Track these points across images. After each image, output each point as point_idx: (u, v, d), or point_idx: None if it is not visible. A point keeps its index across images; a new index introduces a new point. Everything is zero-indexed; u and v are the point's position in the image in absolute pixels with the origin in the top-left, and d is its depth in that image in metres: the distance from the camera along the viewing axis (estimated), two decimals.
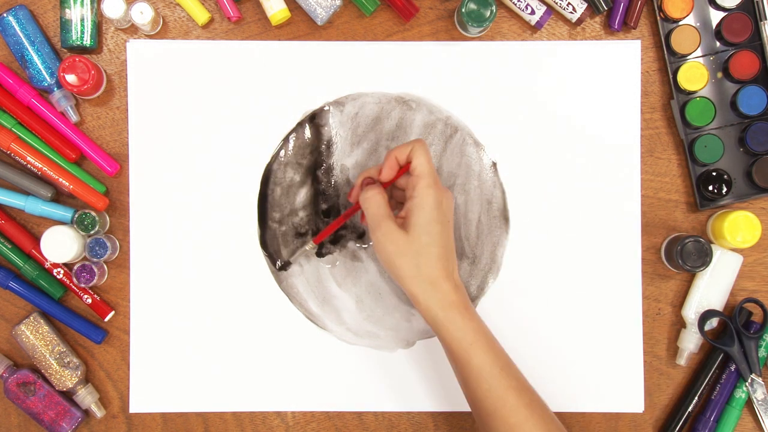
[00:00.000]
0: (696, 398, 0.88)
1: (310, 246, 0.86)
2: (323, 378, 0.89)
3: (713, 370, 0.88)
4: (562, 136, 0.89)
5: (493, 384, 0.75)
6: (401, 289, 0.76)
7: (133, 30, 0.89)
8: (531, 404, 0.76)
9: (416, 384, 0.89)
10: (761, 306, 0.88)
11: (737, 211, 0.86)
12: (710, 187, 0.88)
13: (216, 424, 0.89)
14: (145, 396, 0.89)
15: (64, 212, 0.87)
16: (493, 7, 0.84)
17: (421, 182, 0.76)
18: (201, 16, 0.88)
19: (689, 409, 0.88)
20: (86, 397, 0.88)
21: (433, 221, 0.75)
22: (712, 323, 0.88)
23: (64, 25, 0.86)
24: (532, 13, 0.87)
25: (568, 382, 0.89)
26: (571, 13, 0.88)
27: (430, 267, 0.74)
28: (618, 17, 0.88)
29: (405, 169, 0.79)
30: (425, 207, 0.75)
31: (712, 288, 0.88)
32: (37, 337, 0.87)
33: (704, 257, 0.85)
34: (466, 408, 0.89)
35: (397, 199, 0.83)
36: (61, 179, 0.86)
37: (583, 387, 0.89)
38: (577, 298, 0.89)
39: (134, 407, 0.89)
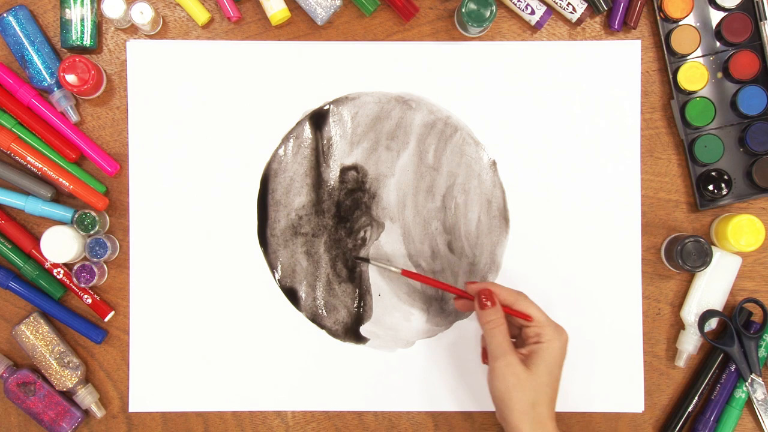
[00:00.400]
0: (696, 398, 0.88)
1: (395, 270, 0.86)
2: (323, 378, 0.89)
3: (713, 370, 0.88)
4: (562, 135, 0.89)
5: None
6: (503, 422, 0.78)
7: (133, 30, 0.89)
8: None
9: (416, 384, 0.89)
10: (761, 306, 0.88)
11: (741, 214, 0.86)
12: (710, 187, 0.88)
13: (216, 424, 0.89)
14: (145, 395, 0.89)
15: (64, 212, 0.87)
16: (493, 7, 0.84)
17: (547, 329, 0.79)
18: (201, 16, 0.88)
19: (689, 409, 0.88)
20: (86, 397, 0.88)
21: (556, 366, 0.78)
22: (712, 323, 0.88)
23: (64, 25, 0.86)
24: (532, 13, 0.87)
25: (569, 382, 0.89)
26: (571, 13, 0.88)
27: (544, 407, 0.77)
28: (618, 17, 0.88)
29: (524, 317, 0.80)
30: (554, 350, 0.78)
31: (711, 288, 0.88)
32: (37, 337, 0.87)
33: (704, 257, 0.85)
34: (466, 408, 0.89)
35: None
36: (61, 179, 0.86)
37: (584, 387, 0.89)
38: (577, 297, 0.89)
39: (134, 406, 0.89)
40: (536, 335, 0.79)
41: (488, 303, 0.80)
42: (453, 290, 0.83)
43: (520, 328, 0.81)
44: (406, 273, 0.85)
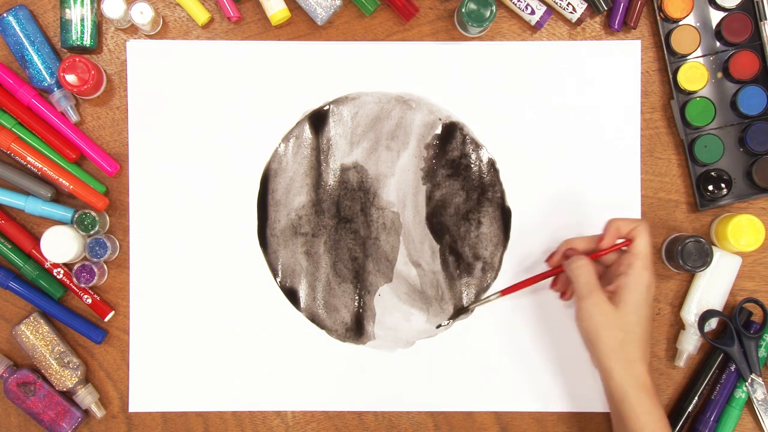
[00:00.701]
0: (696, 398, 0.88)
1: (495, 296, 0.86)
2: (323, 378, 0.89)
3: (713, 370, 0.88)
4: (562, 135, 0.89)
5: None
6: (594, 361, 0.78)
7: (133, 30, 0.89)
8: None
9: (416, 384, 0.89)
10: (761, 306, 0.88)
11: (741, 214, 0.86)
12: (710, 187, 0.88)
13: (216, 424, 0.89)
14: (145, 395, 0.89)
15: (64, 212, 0.87)
16: (493, 7, 0.84)
17: (639, 262, 0.77)
18: (201, 16, 0.88)
19: (689, 409, 0.88)
20: (86, 397, 0.88)
21: (643, 303, 0.77)
22: (712, 323, 0.88)
23: (64, 25, 0.86)
24: (532, 13, 0.87)
25: (569, 382, 0.89)
26: (571, 13, 0.88)
27: (633, 346, 0.76)
28: (618, 17, 0.88)
29: (623, 244, 0.80)
30: (639, 287, 0.77)
31: (711, 288, 0.88)
32: (37, 337, 0.87)
33: (705, 257, 0.85)
34: (466, 408, 0.89)
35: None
36: (61, 179, 0.86)
37: (584, 387, 0.89)
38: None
39: (134, 406, 0.89)
40: (626, 266, 0.78)
41: (577, 256, 0.80)
42: (548, 274, 0.84)
43: (607, 267, 0.81)
44: (506, 291, 0.86)
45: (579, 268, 0.79)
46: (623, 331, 0.76)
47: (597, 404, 0.89)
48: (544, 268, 0.88)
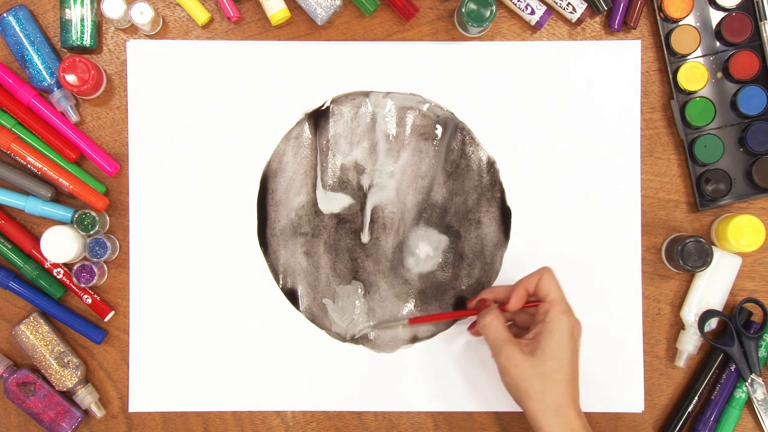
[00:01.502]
0: (696, 398, 0.88)
1: (403, 324, 0.87)
2: (323, 378, 0.89)
3: (713, 370, 0.88)
4: (562, 135, 0.89)
5: None
6: (525, 412, 0.77)
7: (133, 30, 0.89)
8: None
9: (416, 384, 0.89)
10: (761, 306, 0.88)
11: (741, 215, 0.86)
12: (710, 187, 0.88)
13: (216, 424, 0.89)
14: (145, 395, 0.89)
15: (64, 212, 0.87)
16: (493, 7, 0.84)
17: (555, 308, 0.77)
18: (201, 16, 0.88)
19: (689, 409, 0.88)
20: (86, 397, 0.88)
21: (563, 348, 0.75)
22: (712, 323, 0.88)
23: (64, 25, 0.86)
24: (532, 13, 0.87)
25: None
26: (571, 13, 0.88)
27: (556, 393, 0.75)
28: (618, 17, 0.88)
29: (532, 304, 0.81)
30: (557, 333, 0.76)
31: (711, 288, 0.88)
32: (37, 337, 0.87)
33: (705, 257, 0.85)
34: (466, 408, 0.89)
35: (517, 323, 0.84)
36: (61, 179, 0.86)
37: (584, 386, 0.89)
38: (577, 298, 0.88)
39: (133, 406, 0.89)
40: (543, 313, 0.77)
41: (486, 303, 0.81)
42: (459, 314, 0.85)
43: (532, 315, 0.81)
44: (414, 321, 0.86)
45: (488, 324, 0.78)
46: (542, 380, 0.74)
47: (597, 404, 0.89)
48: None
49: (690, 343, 0.88)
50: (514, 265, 0.89)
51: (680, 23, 0.88)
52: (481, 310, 0.81)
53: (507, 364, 0.76)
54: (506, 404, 0.89)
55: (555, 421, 0.74)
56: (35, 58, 0.86)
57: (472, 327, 0.86)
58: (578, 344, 0.78)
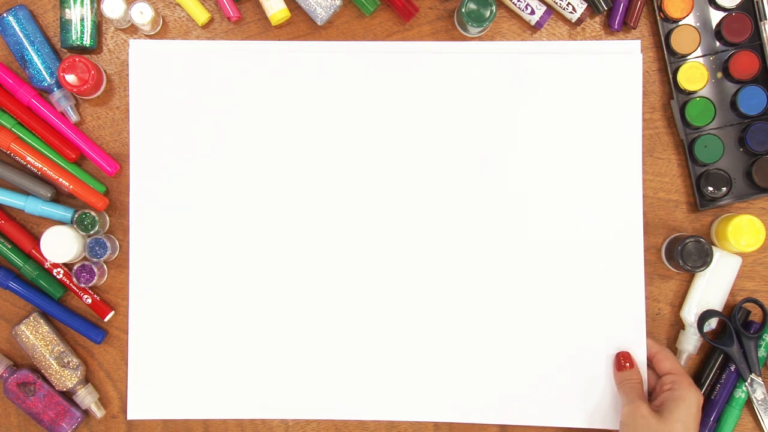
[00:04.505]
0: None
1: None
2: (324, 384, 0.89)
3: (713, 370, 0.88)
4: (562, 136, 0.89)
5: None
6: None
7: (133, 30, 0.89)
8: None
9: (417, 385, 0.89)
10: (761, 306, 0.88)
11: (741, 215, 0.86)
12: (710, 187, 0.88)
13: (216, 424, 0.89)
14: (143, 402, 0.88)
15: (64, 212, 0.87)
16: (493, 7, 0.84)
17: (684, 380, 0.82)
18: (201, 16, 0.88)
19: None
20: (86, 397, 0.88)
21: (690, 416, 0.79)
22: (712, 323, 0.88)
23: (64, 25, 0.86)
24: (532, 13, 0.87)
25: (569, 382, 0.89)
26: (571, 13, 0.88)
27: None
28: (618, 17, 0.88)
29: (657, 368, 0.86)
30: (686, 401, 0.80)
31: (711, 288, 0.88)
32: (37, 337, 0.87)
33: (705, 257, 0.85)
34: (471, 420, 0.89)
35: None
36: (61, 179, 0.86)
37: (594, 402, 0.88)
38: (578, 298, 0.89)
39: (132, 414, 0.88)
40: (671, 383, 0.82)
41: (627, 364, 0.85)
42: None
43: (657, 379, 0.85)
44: None
45: (628, 384, 0.84)
46: None
47: (607, 421, 0.88)
48: (547, 267, 0.88)
49: (690, 343, 0.88)
50: (516, 266, 0.89)
51: (680, 23, 0.88)
52: (620, 361, 0.86)
53: (635, 414, 0.81)
54: (510, 417, 0.88)
55: None
56: (35, 58, 0.86)
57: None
58: (699, 420, 0.81)
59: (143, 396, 0.89)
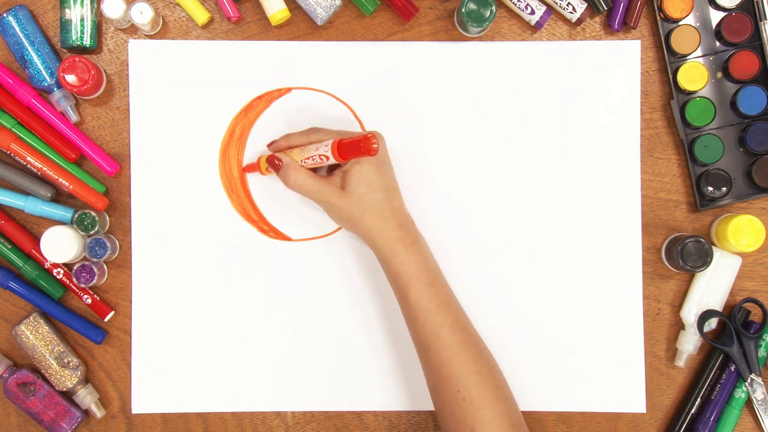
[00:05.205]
0: (696, 398, 0.88)
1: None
2: (323, 378, 0.89)
3: (713, 370, 0.88)
4: (562, 136, 0.89)
5: (428, 318, 0.79)
6: (361, 239, 0.82)
7: (133, 30, 0.89)
8: (465, 343, 0.78)
9: (417, 384, 0.89)
10: (761, 306, 0.88)
11: (741, 215, 0.86)
12: (710, 187, 0.88)
13: (216, 424, 0.89)
14: (147, 397, 0.89)
15: (64, 212, 0.87)
16: (493, 7, 0.84)
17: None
18: (201, 16, 0.88)
19: (692, 410, 0.88)
20: (86, 397, 0.88)
21: (366, 172, 0.79)
22: (711, 323, 0.88)
23: (64, 25, 0.86)
24: (532, 13, 0.87)
25: (569, 382, 0.89)
26: (571, 13, 0.88)
27: (374, 214, 0.79)
28: (618, 17, 0.88)
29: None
30: (361, 162, 0.79)
31: (711, 288, 0.88)
32: (37, 337, 0.87)
33: (705, 257, 0.85)
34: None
35: None
36: (61, 179, 0.86)
37: (584, 386, 0.89)
38: (578, 297, 0.89)
39: (136, 408, 0.89)
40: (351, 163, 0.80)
41: (278, 162, 0.82)
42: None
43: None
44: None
45: (296, 182, 0.81)
46: (359, 207, 0.79)
47: (598, 404, 0.89)
48: (546, 267, 0.89)
49: (690, 343, 0.88)
50: (515, 266, 0.89)
51: (680, 23, 0.88)
52: (274, 163, 0.82)
53: (328, 205, 0.80)
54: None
55: (379, 234, 0.79)
56: (35, 58, 0.86)
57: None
58: (384, 157, 0.81)
59: (147, 391, 0.89)
